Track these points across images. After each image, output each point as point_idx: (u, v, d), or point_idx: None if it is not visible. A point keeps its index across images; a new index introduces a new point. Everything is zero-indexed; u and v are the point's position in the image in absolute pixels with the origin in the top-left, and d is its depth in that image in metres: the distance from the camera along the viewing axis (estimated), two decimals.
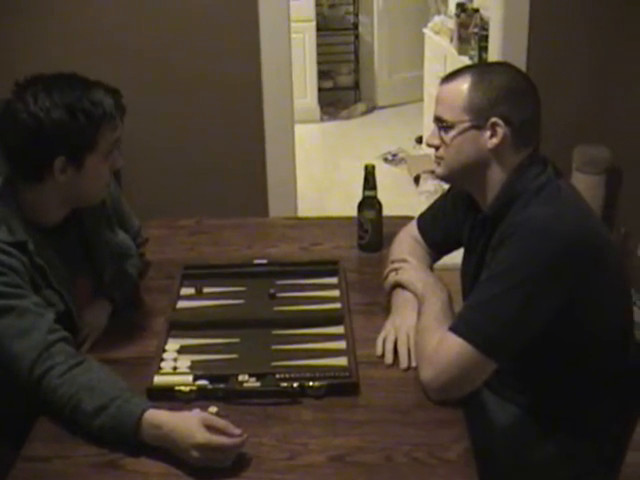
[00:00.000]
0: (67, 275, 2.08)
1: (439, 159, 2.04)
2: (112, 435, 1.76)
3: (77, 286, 2.14)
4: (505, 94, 1.95)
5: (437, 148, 2.03)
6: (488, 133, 1.94)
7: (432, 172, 4.75)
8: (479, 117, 1.94)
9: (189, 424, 1.72)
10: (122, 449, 1.75)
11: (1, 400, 2.00)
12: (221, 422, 1.73)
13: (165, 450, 1.73)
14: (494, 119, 1.93)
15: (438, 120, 2.01)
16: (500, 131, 1.94)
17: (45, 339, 1.86)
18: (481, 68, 2.12)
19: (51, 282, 2.00)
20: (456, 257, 2.35)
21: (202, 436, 1.69)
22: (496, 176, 1.98)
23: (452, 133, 1.97)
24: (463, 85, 1.96)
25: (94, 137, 1.96)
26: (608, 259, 1.96)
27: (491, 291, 1.87)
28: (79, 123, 1.92)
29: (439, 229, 2.32)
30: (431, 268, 2.31)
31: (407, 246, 2.35)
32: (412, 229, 2.39)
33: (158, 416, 1.75)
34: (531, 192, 1.93)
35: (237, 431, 1.72)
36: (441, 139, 2.00)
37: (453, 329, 1.89)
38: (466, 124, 1.95)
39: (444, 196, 2.35)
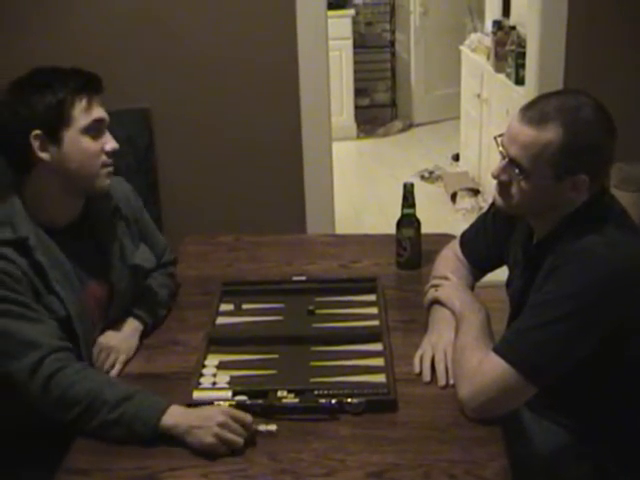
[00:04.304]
0: (76, 278, 2.06)
1: (505, 195, 1.96)
2: (132, 424, 1.81)
3: (87, 290, 2.11)
4: (595, 150, 1.88)
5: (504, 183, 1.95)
6: (569, 186, 1.89)
7: (469, 189, 4.81)
8: (564, 173, 1.87)
9: (212, 408, 1.86)
10: (163, 463, 1.77)
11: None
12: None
13: (204, 465, 1.76)
14: (580, 176, 1.87)
15: (514, 162, 1.89)
16: (583, 185, 1.89)
17: (51, 343, 1.90)
18: (572, 114, 1.86)
19: (51, 284, 1.97)
20: (498, 274, 2.35)
21: (225, 411, 1.82)
22: (561, 212, 1.94)
23: (529, 182, 1.89)
24: (553, 137, 1.84)
25: (64, 111, 1.98)
26: None
27: (541, 318, 1.85)
28: (45, 98, 1.97)
29: (481, 247, 2.31)
30: (472, 288, 2.30)
31: (450, 263, 2.34)
32: (455, 246, 2.39)
33: (182, 408, 1.85)
34: (586, 220, 1.91)
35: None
36: (517, 182, 1.91)
37: (497, 351, 1.88)
38: (547, 178, 1.88)
39: (485, 213, 2.33)
